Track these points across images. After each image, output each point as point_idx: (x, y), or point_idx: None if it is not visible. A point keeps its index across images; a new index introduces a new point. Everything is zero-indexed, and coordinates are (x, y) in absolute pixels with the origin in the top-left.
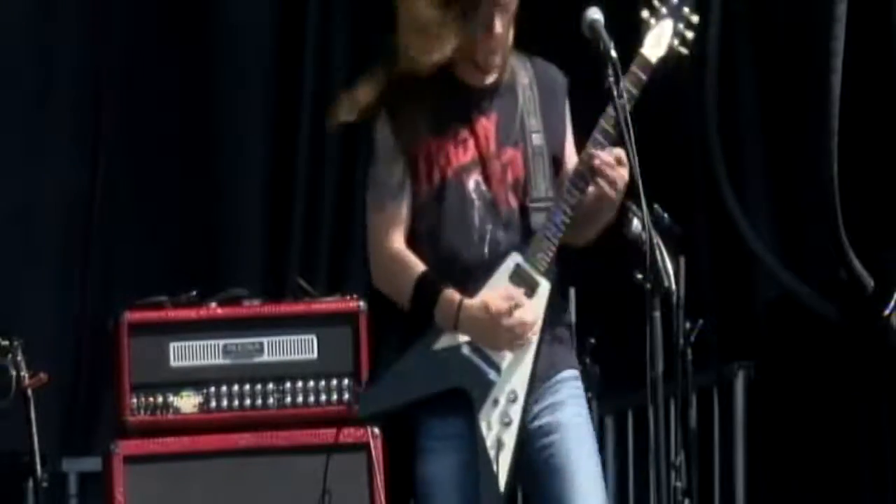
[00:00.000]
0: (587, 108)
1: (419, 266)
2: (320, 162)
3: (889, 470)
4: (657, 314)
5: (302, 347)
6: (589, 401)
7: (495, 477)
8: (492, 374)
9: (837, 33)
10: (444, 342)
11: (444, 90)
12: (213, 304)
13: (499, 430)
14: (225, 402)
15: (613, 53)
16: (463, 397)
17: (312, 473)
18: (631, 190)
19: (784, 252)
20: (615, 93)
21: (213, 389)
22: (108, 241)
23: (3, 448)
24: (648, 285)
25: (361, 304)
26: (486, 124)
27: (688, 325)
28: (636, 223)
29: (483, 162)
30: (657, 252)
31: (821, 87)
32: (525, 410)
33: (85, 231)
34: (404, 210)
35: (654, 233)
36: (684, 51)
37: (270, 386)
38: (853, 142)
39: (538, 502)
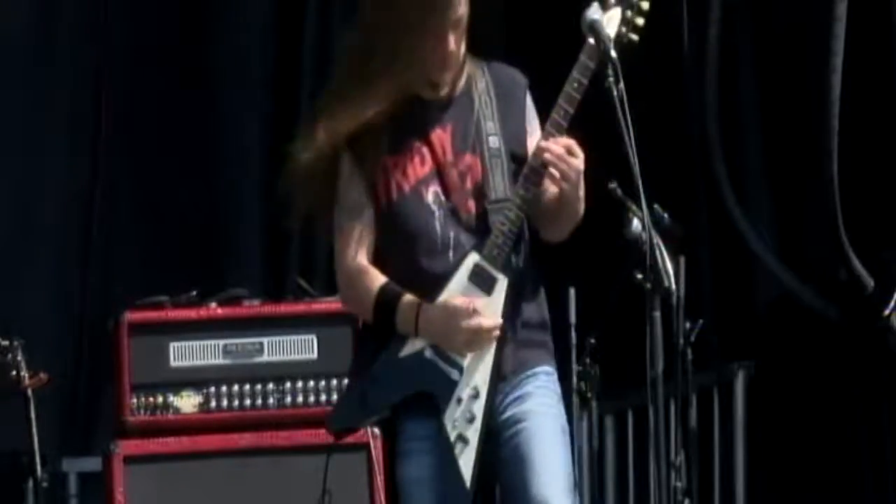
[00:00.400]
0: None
1: (379, 278)
2: None
3: (889, 470)
4: (657, 314)
5: (302, 347)
6: (589, 401)
7: (460, 473)
8: (454, 374)
9: (837, 33)
10: (407, 349)
11: (399, 108)
12: (213, 304)
13: (462, 427)
14: (225, 402)
15: (613, 53)
16: (433, 398)
17: (312, 473)
18: (631, 190)
19: (784, 252)
20: (615, 93)
21: (213, 389)
22: (108, 241)
23: (3, 448)
24: (648, 285)
25: None
26: (442, 135)
27: (688, 325)
28: (636, 223)
29: (440, 172)
30: (657, 252)
31: (821, 87)
32: (488, 406)
33: (85, 231)
34: (364, 228)
35: (654, 233)
36: (634, 37)
37: (270, 386)
38: (853, 142)
39: (505, 493)
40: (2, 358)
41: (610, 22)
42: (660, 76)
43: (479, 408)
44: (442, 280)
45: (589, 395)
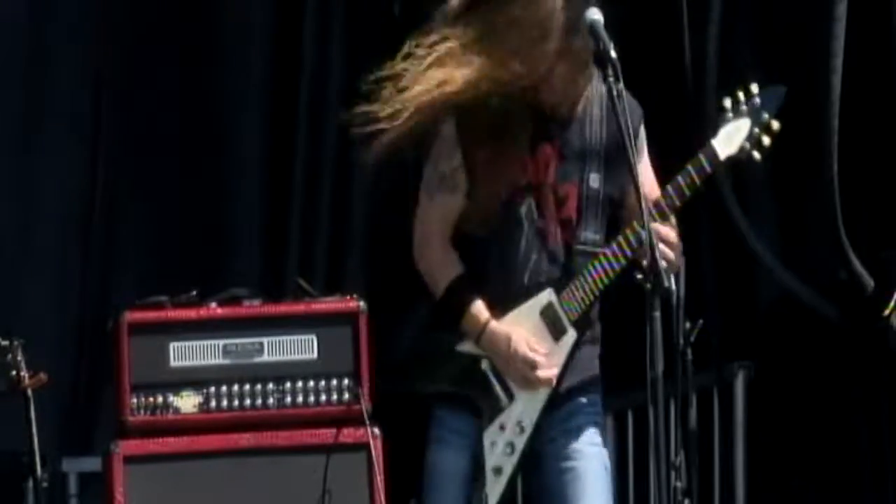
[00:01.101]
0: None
1: (456, 267)
2: (318, 162)
3: (889, 470)
4: (657, 314)
5: (302, 347)
6: None
7: (486, 497)
8: (504, 400)
9: (837, 33)
10: (468, 346)
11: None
12: (213, 304)
13: (500, 457)
14: (225, 402)
15: (613, 53)
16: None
17: (312, 473)
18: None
19: (785, 252)
20: (614, 93)
21: (213, 389)
22: (108, 241)
23: (3, 448)
24: (648, 285)
25: (361, 304)
26: (549, 153)
27: (688, 325)
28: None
29: (538, 189)
30: (657, 252)
31: (821, 88)
32: (530, 444)
33: (85, 231)
34: (455, 205)
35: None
36: (757, 155)
37: (270, 386)
38: (853, 142)
39: None
40: (2, 358)
41: (737, 133)
42: (660, 76)
43: (521, 443)
44: (513, 296)
45: None
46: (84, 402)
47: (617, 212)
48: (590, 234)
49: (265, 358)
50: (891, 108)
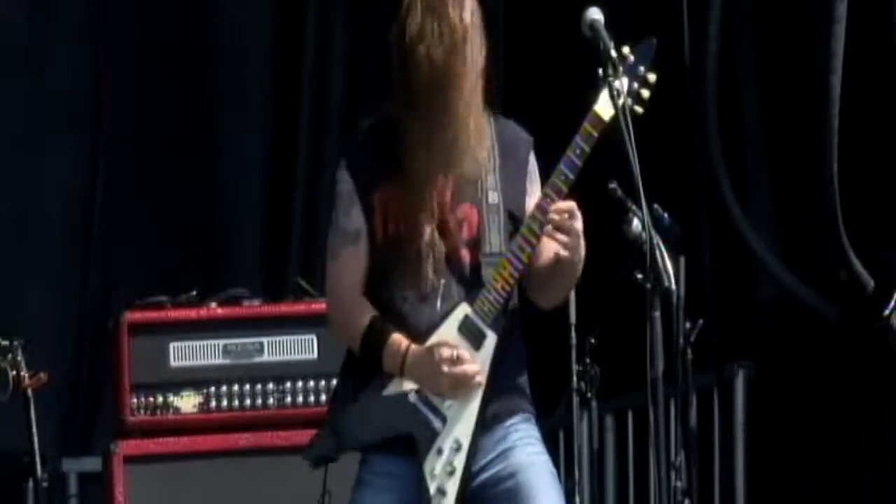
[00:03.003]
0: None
1: (370, 311)
2: (319, 162)
3: (889, 470)
4: (657, 314)
5: (302, 347)
6: (589, 401)
7: None
8: (436, 423)
9: (837, 33)
10: (392, 388)
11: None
12: (213, 304)
13: (442, 479)
14: (225, 402)
15: (613, 53)
16: (408, 440)
17: (312, 473)
18: (631, 190)
19: (784, 252)
20: (614, 93)
21: (213, 389)
22: (108, 241)
23: (3, 448)
24: (648, 285)
25: None
26: (444, 179)
27: (688, 325)
28: (636, 223)
29: (437, 217)
30: (657, 252)
31: (821, 87)
32: (468, 460)
33: (85, 231)
34: (360, 256)
35: (653, 233)
36: (639, 110)
37: (270, 386)
38: (853, 142)
39: None
40: (2, 358)
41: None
42: (660, 76)
43: (460, 461)
44: (430, 325)
45: (589, 395)
46: (84, 402)
47: (518, 227)
48: (494, 246)
49: (265, 358)
50: (891, 108)
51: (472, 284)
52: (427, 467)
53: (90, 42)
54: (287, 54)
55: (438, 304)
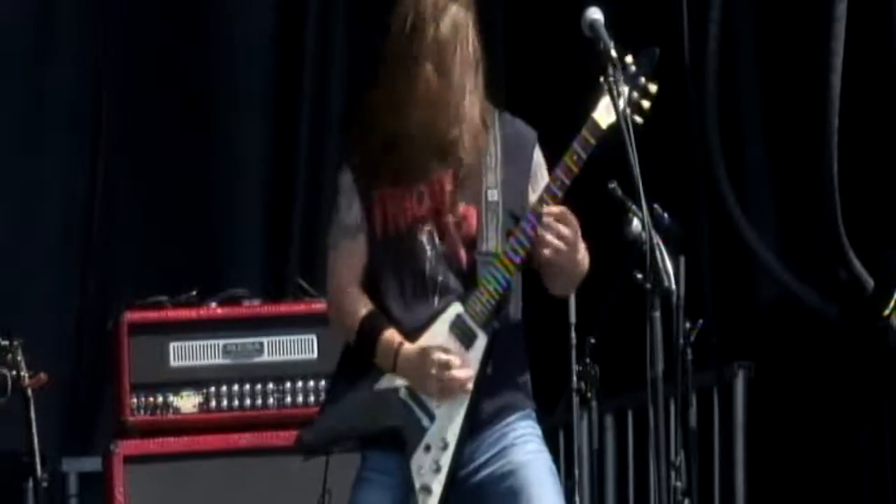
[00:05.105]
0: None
1: (366, 305)
2: (319, 162)
3: (889, 470)
4: (657, 314)
5: (302, 347)
6: (589, 400)
7: None
8: (425, 421)
9: (837, 33)
10: (384, 383)
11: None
12: (213, 304)
13: (427, 477)
14: (225, 402)
15: (614, 53)
16: (404, 437)
17: (312, 473)
18: (631, 190)
19: (785, 252)
20: (615, 93)
21: (213, 389)
22: (108, 241)
23: (3, 448)
24: (648, 285)
25: None
26: (444, 178)
27: (688, 325)
28: (636, 223)
29: (437, 215)
30: (657, 252)
31: (821, 87)
32: (455, 459)
33: (85, 231)
34: (359, 249)
35: (654, 233)
36: (639, 119)
37: (270, 386)
38: (853, 142)
39: None
40: (2, 358)
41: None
42: (660, 76)
43: (446, 460)
44: (424, 322)
45: (589, 395)
46: (84, 402)
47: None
48: (490, 245)
49: (265, 358)
50: (891, 108)
51: (469, 284)
52: (414, 464)
53: (90, 42)
54: (287, 55)
55: (435, 302)
